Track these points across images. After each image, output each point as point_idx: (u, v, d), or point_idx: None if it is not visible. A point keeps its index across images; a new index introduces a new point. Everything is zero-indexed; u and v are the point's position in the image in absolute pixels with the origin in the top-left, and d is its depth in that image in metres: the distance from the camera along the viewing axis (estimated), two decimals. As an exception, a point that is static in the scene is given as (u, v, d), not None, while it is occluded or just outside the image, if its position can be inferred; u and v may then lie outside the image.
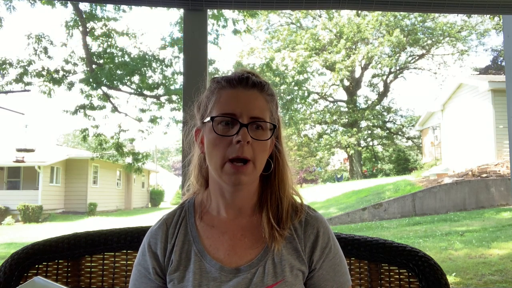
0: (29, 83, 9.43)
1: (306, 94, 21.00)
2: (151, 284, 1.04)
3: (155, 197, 26.53)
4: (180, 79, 9.51)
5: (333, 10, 19.85)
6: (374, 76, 25.51)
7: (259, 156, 0.99)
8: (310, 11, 21.71)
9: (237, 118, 0.97)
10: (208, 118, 1.00)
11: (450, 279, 5.60)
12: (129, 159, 10.50)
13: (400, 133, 26.12)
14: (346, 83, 24.73)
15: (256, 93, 1.01)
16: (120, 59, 9.48)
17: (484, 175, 12.70)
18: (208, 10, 1.94)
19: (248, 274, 0.99)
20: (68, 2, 8.73)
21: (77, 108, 9.53)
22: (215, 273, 0.99)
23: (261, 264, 1.00)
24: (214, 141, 0.98)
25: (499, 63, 24.09)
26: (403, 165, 22.23)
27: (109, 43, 9.49)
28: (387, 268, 1.34)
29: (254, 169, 0.99)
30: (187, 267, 1.01)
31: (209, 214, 1.07)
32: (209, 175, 1.06)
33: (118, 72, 9.27)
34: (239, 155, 0.96)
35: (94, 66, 9.51)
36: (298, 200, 1.10)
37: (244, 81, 1.01)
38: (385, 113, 25.45)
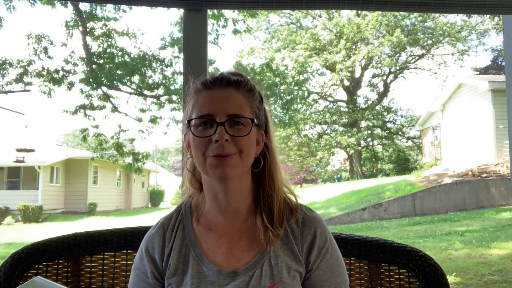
0: (29, 83, 9.43)
1: (306, 94, 21.03)
2: None
3: (155, 197, 26.54)
4: (180, 79, 9.52)
5: (333, 10, 19.84)
6: (374, 76, 25.52)
7: (245, 148, 0.98)
8: (310, 11, 21.71)
9: (214, 117, 0.97)
10: (187, 122, 1.01)
11: (450, 279, 5.60)
12: (129, 159, 10.50)
13: (400, 133, 26.12)
14: (346, 83, 24.74)
15: (232, 91, 1.00)
16: (120, 59, 9.48)
17: (484, 175, 12.70)
18: (208, 10, 1.94)
19: (245, 277, 0.99)
20: (68, 2, 8.73)
21: (77, 108, 9.53)
22: (213, 277, 0.99)
23: (258, 267, 1.00)
24: (195, 143, 0.99)
25: (499, 63, 24.09)
26: (403, 165, 22.24)
27: (109, 43, 9.49)
28: (387, 268, 1.34)
29: (239, 161, 0.98)
30: (185, 272, 1.01)
31: (206, 217, 1.06)
32: (202, 177, 1.06)
33: (118, 72, 9.28)
34: (219, 153, 0.96)
35: (94, 66, 9.51)
36: (293, 199, 1.09)
37: (219, 81, 1.01)
38: (385, 113, 25.46)
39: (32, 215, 16.63)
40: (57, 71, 9.46)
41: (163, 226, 1.07)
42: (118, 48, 9.58)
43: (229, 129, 0.97)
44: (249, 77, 1.08)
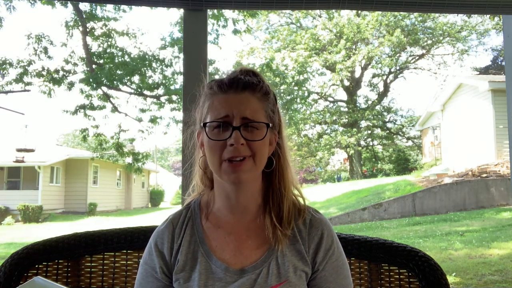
0: (29, 83, 9.42)
1: (306, 94, 21.04)
2: (157, 283, 1.06)
3: (155, 197, 26.53)
4: (180, 79, 9.51)
5: (333, 10, 19.85)
6: (374, 76, 25.52)
7: (258, 152, 1.00)
8: (310, 11, 21.70)
9: (229, 121, 0.99)
10: (202, 124, 1.03)
11: (450, 279, 5.60)
12: (129, 159, 10.49)
13: (400, 133, 26.11)
14: (346, 83, 24.73)
15: (248, 95, 1.02)
16: (120, 59, 9.47)
17: (484, 175, 12.70)
18: (208, 10, 1.94)
19: (252, 275, 1.01)
20: (68, 2, 8.73)
21: (77, 108, 9.53)
22: (221, 274, 1.01)
23: (265, 265, 1.02)
24: (210, 146, 1.01)
25: (499, 63, 24.09)
26: (403, 165, 22.23)
27: (109, 43, 9.49)
28: (387, 268, 1.34)
29: (253, 165, 1.00)
30: (194, 268, 1.03)
31: (215, 215, 1.08)
32: (214, 177, 1.08)
33: (118, 72, 9.27)
34: (235, 155, 0.98)
35: (94, 66, 9.51)
36: (301, 200, 1.11)
37: (235, 85, 1.02)
38: (385, 113, 25.45)
39: (32, 215, 16.63)
40: (57, 71, 9.46)
41: (173, 222, 1.09)
42: (118, 48, 9.58)
43: (244, 133, 0.99)
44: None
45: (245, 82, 1.02)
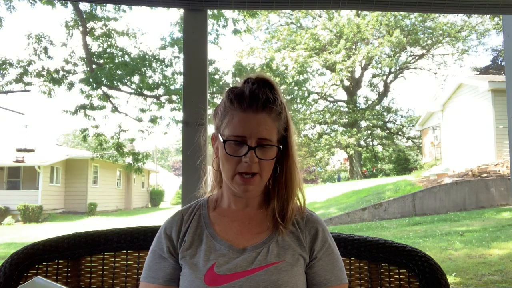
0: (29, 83, 9.42)
1: (306, 94, 21.01)
2: (164, 264, 1.14)
3: (155, 197, 26.54)
4: (180, 79, 9.51)
5: (333, 10, 19.85)
6: (374, 76, 25.51)
7: (266, 169, 1.11)
8: (310, 11, 21.71)
9: (246, 141, 1.09)
10: (221, 138, 1.12)
11: (450, 279, 5.60)
12: (129, 159, 10.50)
13: (400, 133, 26.11)
14: (346, 83, 24.72)
15: (265, 116, 1.10)
16: (120, 59, 9.47)
17: (484, 175, 12.70)
18: (208, 10, 1.94)
19: (253, 253, 1.11)
20: (68, 2, 8.73)
21: (77, 108, 9.52)
22: (224, 250, 1.11)
23: (266, 246, 1.12)
24: (226, 158, 1.11)
25: (499, 63, 24.09)
26: (403, 165, 22.24)
27: (109, 43, 9.48)
28: (387, 268, 1.34)
29: (260, 180, 1.11)
30: (199, 246, 1.13)
31: (221, 207, 1.20)
32: (224, 180, 1.18)
33: (118, 72, 9.26)
34: (247, 171, 1.09)
35: (94, 66, 9.51)
36: (302, 200, 1.19)
37: (255, 104, 1.10)
38: (385, 113, 25.44)
39: (32, 215, 16.63)
40: (57, 71, 9.45)
41: (182, 212, 1.21)
42: (118, 48, 9.57)
43: (258, 152, 1.09)
44: (277, 83, 1.17)
45: (264, 101, 1.10)
